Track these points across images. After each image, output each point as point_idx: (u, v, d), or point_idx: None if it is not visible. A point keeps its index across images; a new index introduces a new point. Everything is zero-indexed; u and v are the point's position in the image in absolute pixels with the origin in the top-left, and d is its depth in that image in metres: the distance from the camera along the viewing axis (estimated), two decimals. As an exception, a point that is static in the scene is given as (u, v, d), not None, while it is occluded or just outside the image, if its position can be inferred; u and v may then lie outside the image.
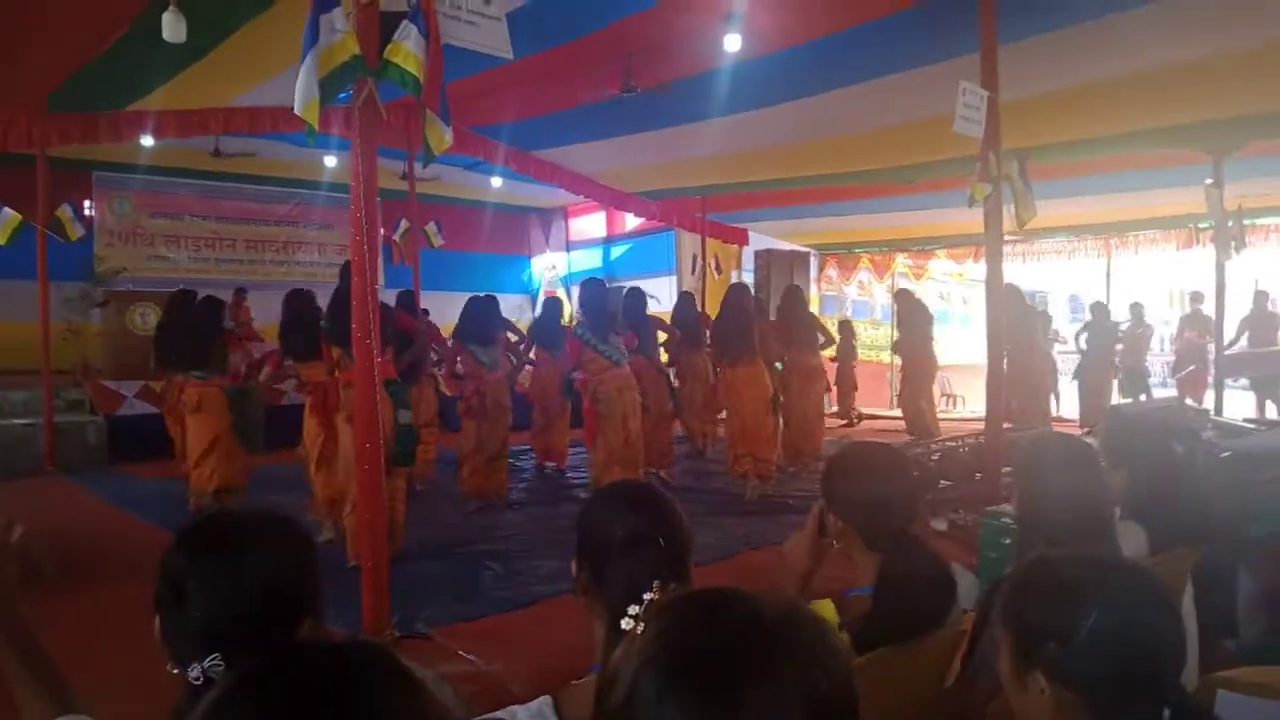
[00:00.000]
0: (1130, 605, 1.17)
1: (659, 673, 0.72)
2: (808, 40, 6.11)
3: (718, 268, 12.76)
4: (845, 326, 12.92)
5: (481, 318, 6.63)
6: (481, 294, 7.01)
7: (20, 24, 5.60)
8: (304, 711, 0.70)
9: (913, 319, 10.22)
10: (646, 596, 1.17)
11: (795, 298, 8.21)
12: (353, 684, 0.73)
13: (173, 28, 5.19)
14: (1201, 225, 10.54)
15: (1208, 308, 9.95)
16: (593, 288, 6.70)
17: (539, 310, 9.31)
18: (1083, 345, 10.91)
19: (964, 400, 13.46)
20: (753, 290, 13.40)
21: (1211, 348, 9.61)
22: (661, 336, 8.08)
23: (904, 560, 1.73)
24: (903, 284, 15.65)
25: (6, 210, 7.48)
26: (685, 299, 9.20)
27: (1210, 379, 9.61)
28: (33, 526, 1.28)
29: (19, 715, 1.17)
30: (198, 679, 1.15)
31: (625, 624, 1.08)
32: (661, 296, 13.84)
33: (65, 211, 7.93)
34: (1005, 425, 5.93)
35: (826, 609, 1.68)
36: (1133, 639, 1.15)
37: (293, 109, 3.14)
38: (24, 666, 1.16)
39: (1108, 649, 1.14)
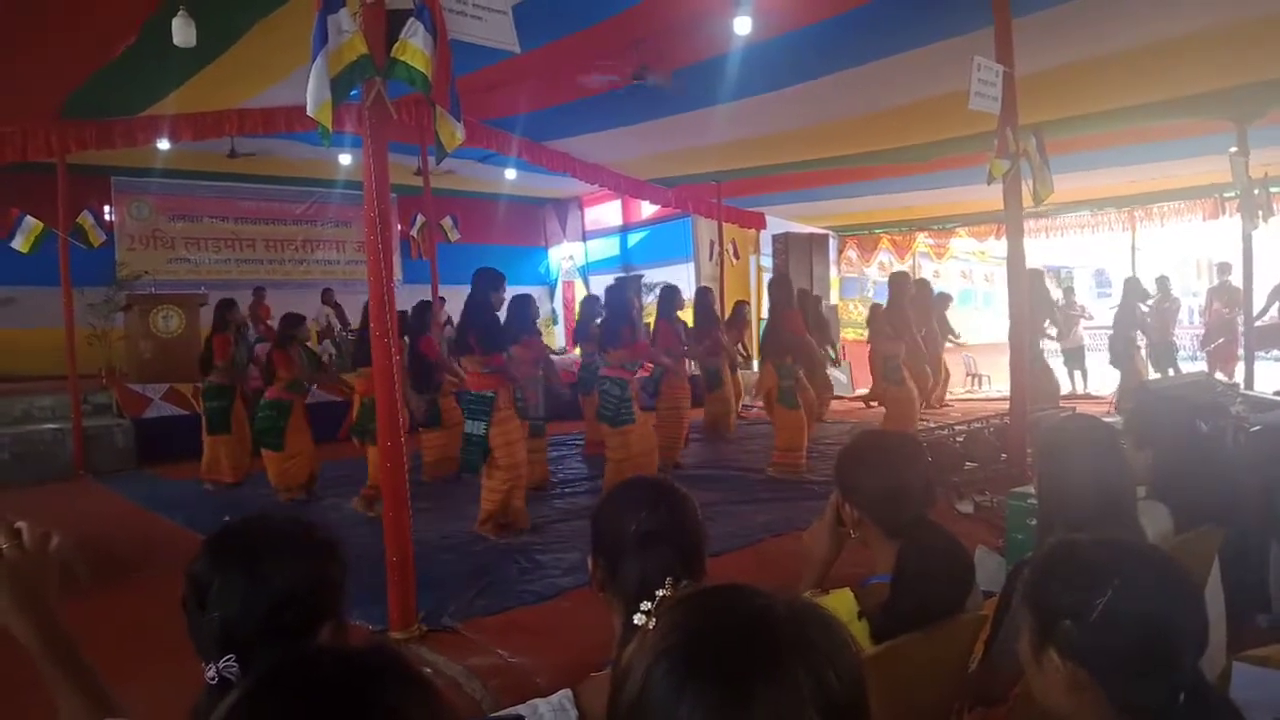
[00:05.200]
0: (1146, 588, 1.18)
1: (671, 668, 0.72)
2: (818, 20, 6.05)
3: (735, 253, 12.72)
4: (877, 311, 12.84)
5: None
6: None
7: (31, 35, 5.65)
8: (315, 718, 0.71)
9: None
10: (659, 593, 1.17)
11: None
12: (363, 690, 0.73)
13: (183, 32, 5.23)
14: (1228, 194, 10.36)
15: (1236, 278, 9.78)
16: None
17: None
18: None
19: (989, 379, 13.35)
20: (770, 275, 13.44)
21: (1241, 319, 9.46)
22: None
23: (921, 547, 1.71)
24: (924, 264, 15.56)
25: (29, 219, 7.56)
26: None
27: (1240, 351, 9.46)
28: (65, 531, 1.30)
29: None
30: (213, 679, 1.18)
31: (638, 619, 1.08)
32: (679, 284, 13.85)
33: (86, 218, 8.00)
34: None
35: (845, 598, 1.68)
36: (1146, 621, 1.15)
37: (305, 108, 3.16)
38: (65, 673, 1.18)
39: (1121, 629, 1.15)
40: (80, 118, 7.37)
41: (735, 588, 0.80)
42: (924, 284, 10.45)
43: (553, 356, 8.48)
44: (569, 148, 9.95)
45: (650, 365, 7.30)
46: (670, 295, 8.02)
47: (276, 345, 6.77)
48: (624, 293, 6.50)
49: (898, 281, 9.30)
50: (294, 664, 0.77)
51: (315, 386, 7.90)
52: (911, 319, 8.98)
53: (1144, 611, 1.15)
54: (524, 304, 6.23)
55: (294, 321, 6.81)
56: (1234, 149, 7.58)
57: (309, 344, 6.96)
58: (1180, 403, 2.83)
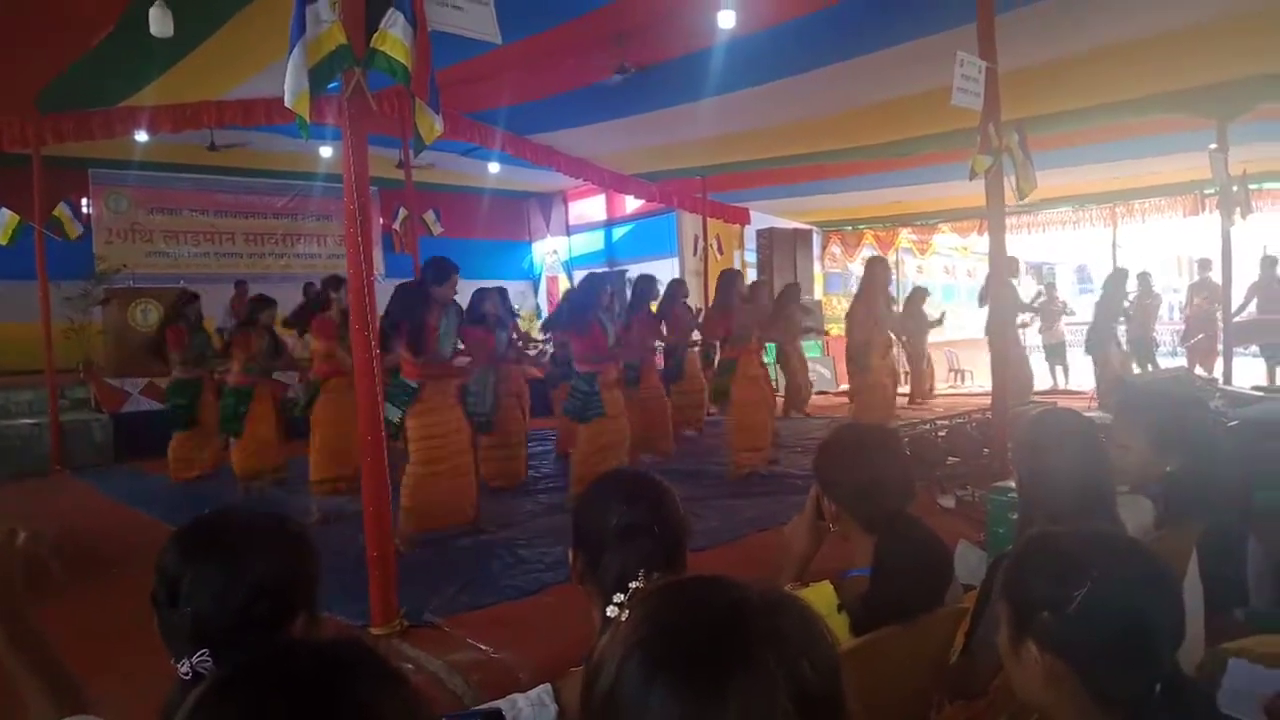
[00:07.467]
0: (1124, 580, 1.18)
1: (644, 660, 0.72)
2: (802, 14, 6.04)
3: (719, 248, 12.70)
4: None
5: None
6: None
7: (7, 25, 5.56)
8: (285, 711, 0.70)
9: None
10: (632, 585, 1.16)
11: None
12: (334, 683, 0.72)
13: (160, 22, 5.16)
14: (1208, 191, 10.45)
15: (1216, 275, 9.86)
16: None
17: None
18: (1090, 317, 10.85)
19: (972, 375, 13.43)
20: (755, 271, 13.44)
21: (1220, 315, 9.54)
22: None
23: (900, 541, 1.71)
24: (907, 259, 15.62)
25: (4, 211, 7.46)
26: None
27: (1220, 347, 9.55)
28: (40, 527, 1.28)
29: (27, 716, 1.17)
30: (187, 674, 1.17)
31: (610, 612, 1.08)
32: (664, 279, 13.83)
33: (64, 211, 7.91)
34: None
35: (825, 591, 1.67)
36: (1124, 612, 1.15)
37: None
38: (31, 669, 1.16)
39: (1099, 620, 1.15)
40: (57, 109, 7.27)
41: (709, 579, 0.79)
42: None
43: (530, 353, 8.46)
44: (553, 142, 9.90)
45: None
46: (645, 286, 8.04)
47: (239, 326, 6.75)
48: (594, 285, 6.35)
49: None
50: (264, 657, 0.76)
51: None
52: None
53: (1121, 604, 1.15)
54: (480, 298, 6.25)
55: (260, 305, 6.73)
56: (1214, 146, 7.64)
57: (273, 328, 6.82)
58: (1167, 396, 2.85)
